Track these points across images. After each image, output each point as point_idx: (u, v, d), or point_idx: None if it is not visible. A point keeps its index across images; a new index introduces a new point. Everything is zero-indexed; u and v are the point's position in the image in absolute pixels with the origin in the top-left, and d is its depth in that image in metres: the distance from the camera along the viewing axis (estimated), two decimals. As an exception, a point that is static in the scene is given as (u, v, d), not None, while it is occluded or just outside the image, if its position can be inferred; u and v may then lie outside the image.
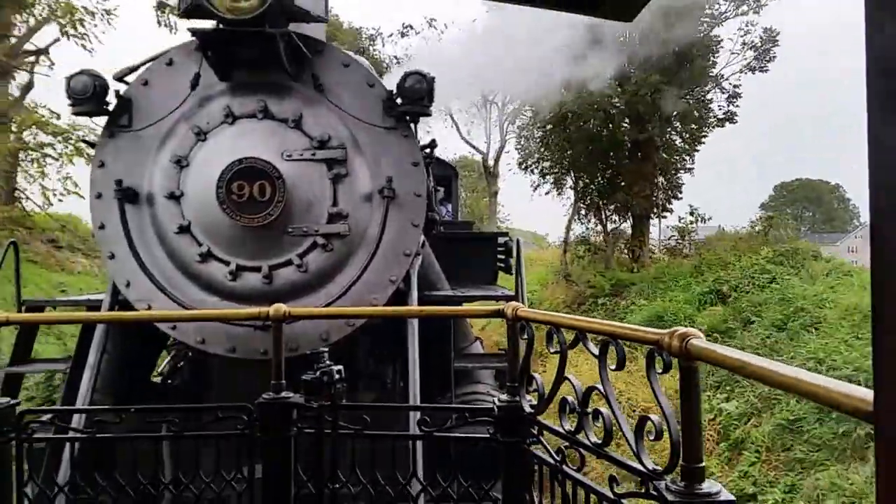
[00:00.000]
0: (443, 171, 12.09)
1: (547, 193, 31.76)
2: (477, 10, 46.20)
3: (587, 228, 31.18)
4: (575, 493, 2.84)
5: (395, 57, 36.46)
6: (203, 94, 5.07)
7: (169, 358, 6.26)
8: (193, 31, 4.88)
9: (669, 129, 27.92)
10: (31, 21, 21.42)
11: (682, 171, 29.33)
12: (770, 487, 10.06)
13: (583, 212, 30.48)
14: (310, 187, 4.90)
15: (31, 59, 21.44)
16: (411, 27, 38.21)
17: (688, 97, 26.69)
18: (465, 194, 47.91)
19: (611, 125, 26.90)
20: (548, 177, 30.60)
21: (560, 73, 20.87)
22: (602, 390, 2.60)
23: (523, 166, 31.67)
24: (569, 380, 2.85)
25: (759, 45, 27.38)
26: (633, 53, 24.60)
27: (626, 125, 27.39)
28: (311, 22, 5.03)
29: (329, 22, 5.07)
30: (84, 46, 20.59)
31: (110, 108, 5.10)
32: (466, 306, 5.82)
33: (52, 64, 21.13)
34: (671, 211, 29.33)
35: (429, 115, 5.17)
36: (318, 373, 3.56)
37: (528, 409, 3.28)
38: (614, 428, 2.55)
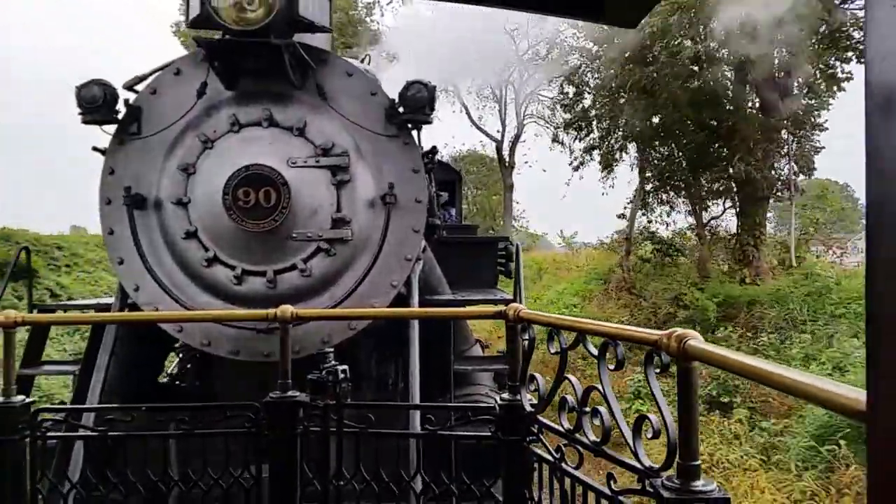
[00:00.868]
0: (447, 176, 12.17)
1: (581, 179, 27.38)
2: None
3: (658, 219, 23.82)
4: (574, 490, 2.92)
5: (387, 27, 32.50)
6: (210, 103, 5.16)
7: (177, 360, 6.32)
8: (200, 42, 4.99)
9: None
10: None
11: (816, 131, 19.41)
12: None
13: (650, 197, 23.36)
14: (314, 193, 4.99)
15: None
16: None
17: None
18: (475, 192, 44.80)
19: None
20: (594, 152, 24.31)
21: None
22: (601, 390, 2.68)
23: (559, 139, 27.81)
24: (568, 379, 2.94)
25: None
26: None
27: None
28: (316, 32, 5.13)
29: None
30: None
31: (120, 116, 5.19)
32: (468, 308, 5.90)
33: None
34: (801, 191, 20.18)
35: (430, 122, 5.27)
36: (323, 372, 3.66)
37: (528, 408, 3.37)
38: (613, 427, 2.63)
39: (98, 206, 5.23)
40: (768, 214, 22.23)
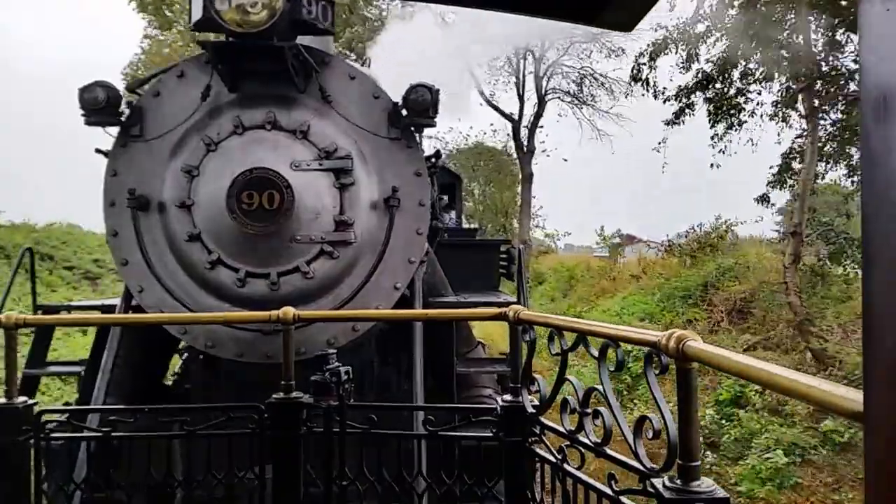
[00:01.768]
0: (447, 179, 12.19)
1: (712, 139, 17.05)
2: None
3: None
4: (575, 490, 2.93)
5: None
6: (213, 106, 5.18)
7: (181, 362, 6.35)
8: (204, 44, 5.02)
9: None
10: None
11: None
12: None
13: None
14: (317, 196, 5.01)
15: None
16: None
17: None
18: (483, 188, 40.20)
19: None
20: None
21: None
22: (602, 391, 2.70)
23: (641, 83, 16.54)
24: (570, 380, 2.95)
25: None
26: None
27: None
28: (319, 35, 5.16)
29: None
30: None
31: (123, 118, 5.22)
32: (470, 309, 5.91)
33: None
34: None
35: (433, 126, 5.29)
36: (326, 374, 3.68)
37: (530, 409, 3.39)
38: (614, 428, 2.64)
39: (101, 208, 5.26)
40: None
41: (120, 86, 5.36)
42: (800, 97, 15.61)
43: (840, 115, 15.56)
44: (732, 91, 16.54)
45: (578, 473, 2.92)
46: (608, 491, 2.63)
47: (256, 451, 3.83)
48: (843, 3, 13.32)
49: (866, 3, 0.73)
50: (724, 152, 17.66)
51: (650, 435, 2.39)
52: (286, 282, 5.05)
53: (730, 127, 16.97)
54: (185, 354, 6.18)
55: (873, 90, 0.72)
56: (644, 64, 17.16)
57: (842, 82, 14.58)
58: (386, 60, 11.58)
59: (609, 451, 2.70)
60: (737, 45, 15.16)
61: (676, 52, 16.90)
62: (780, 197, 17.74)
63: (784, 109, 16.70)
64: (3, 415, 3.72)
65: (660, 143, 20.22)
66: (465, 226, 13.75)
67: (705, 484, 2.20)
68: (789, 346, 13.62)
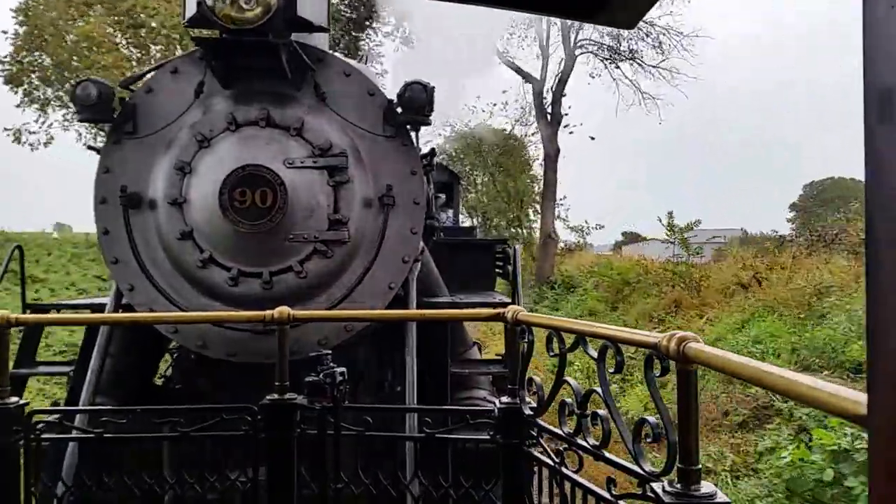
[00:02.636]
0: (444, 178, 12.16)
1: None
2: None
3: None
4: (573, 494, 2.90)
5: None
6: (207, 102, 5.13)
7: (171, 362, 6.30)
8: (197, 41, 4.96)
9: None
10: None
11: None
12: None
13: None
14: (311, 194, 4.96)
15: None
16: None
17: None
18: (493, 175, 35.34)
19: None
20: None
21: None
22: (601, 393, 2.67)
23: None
24: (568, 382, 2.92)
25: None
26: None
27: None
28: (314, 32, 5.11)
29: None
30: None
31: (115, 115, 5.17)
32: (467, 310, 5.88)
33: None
34: None
35: (429, 124, 5.26)
36: (320, 375, 3.64)
37: (527, 411, 3.36)
38: (613, 430, 2.62)
39: (93, 206, 5.20)
40: None
41: None
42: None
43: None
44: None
45: (577, 477, 2.89)
46: (607, 495, 2.61)
47: (249, 452, 3.78)
48: None
49: (871, 1, 0.71)
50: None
51: (650, 439, 2.37)
52: (279, 281, 5.00)
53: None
54: (176, 354, 6.12)
55: (877, 88, 0.71)
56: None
57: None
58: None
59: (608, 455, 2.67)
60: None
61: None
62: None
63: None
64: None
65: None
66: (466, 223, 13.80)
67: (706, 488, 2.18)
68: None
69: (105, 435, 3.80)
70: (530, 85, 30.32)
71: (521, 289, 5.81)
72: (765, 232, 31.74)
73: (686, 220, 22.38)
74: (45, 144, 26.84)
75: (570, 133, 31.08)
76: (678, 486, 2.18)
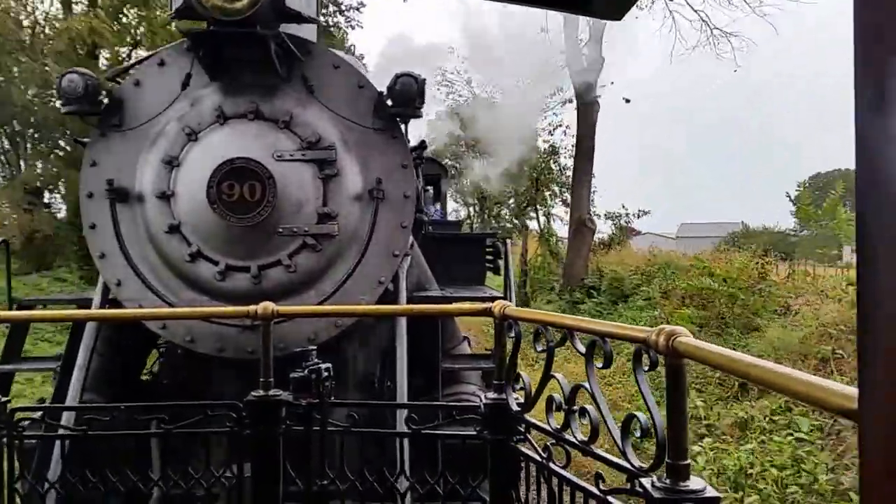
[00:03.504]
0: (432, 171, 12.12)
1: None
2: None
3: None
4: (561, 489, 2.87)
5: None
6: (194, 95, 5.08)
7: (158, 357, 6.24)
8: (185, 32, 4.90)
9: None
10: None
11: None
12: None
13: None
14: (300, 188, 4.91)
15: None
16: None
17: None
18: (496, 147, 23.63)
19: None
20: None
21: None
22: (589, 388, 2.63)
23: None
24: (556, 378, 2.88)
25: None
26: None
27: None
28: (303, 23, 5.05)
29: None
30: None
31: (102, 107, 5.11)
32: (455, 305, 5.85)
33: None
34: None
35: (419, 116, 5.20)
36: (306, 371, 3.59)
37: (515, 407, 3.31)
38: (601, 425, 2.58)
39: (79, 200, 5.14)
40: None
41: None
42: None
43: None
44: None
45: (564, 472, 2.85)
46: (595, 490, 2.57)
47: (235, 449, 3.74)
48: None
49: None
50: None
51: (638, 433, 2.33)
52: (268, 275, 4.95)
53: None
54: (164, 349, 6.07)
55: (869, 75, 0.70)
56: None
57: None
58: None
59: (596, 450, 2.63)
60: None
61: None
62: None
63: None
64: None
65: None
66: (462, 213, 13.80)
67: (695, 483, 2.14)
68: None
69: (89, 432, 3.75)
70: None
71: (513, 284, 5.79)
72: (767, 225, 30.65)
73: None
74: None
75: (599, 97, 22.91)
76: (667, 481, 2.15)
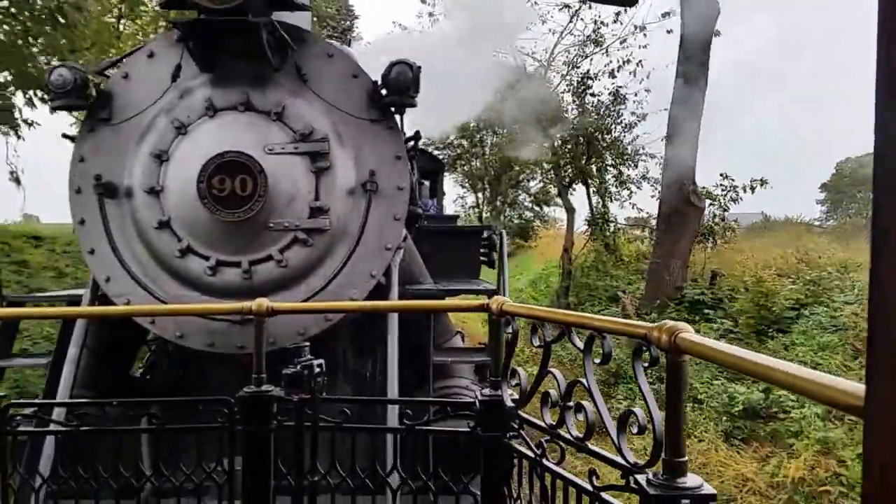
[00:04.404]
0: (429, 165, 12.05)
1: None
2: None
3: None
4: (554, 486, 2.84)
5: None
6: (184, 87, 5.01)
7: (149, 353, 6.20)
8: (174, 22, 4.83)
9: None
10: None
11: None
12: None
13: None
14: (292, 181, 4.86)
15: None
16: None
17: None
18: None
19: None
20: None
21: None
22: (586, 384, 2.60)
23: None
24: (552, 373, 2.86)
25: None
26: None
27: None
28: (295, 11, 4.98)
29: None
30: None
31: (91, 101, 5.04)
32: (449, 300, 5.81)
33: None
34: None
35: (414, 106, 5.13)
36: (298, 366, 3.56)
37: (509, 402, 3.29)
38: (596, 422, 2.55)
39: (68, 195, 5.08)
40: None
41: None
42: None
43: None
44: None
45: (558, 469, 2.83)
46: (588, 487, 2.54)
47: (226, 444, 3.71)
48: None
49: None
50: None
51: (635, 430, 2.30)
52: (259, 270, 4.90)
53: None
54: (154, 345, 6.02)
55: (890, 63, 0.69)
56: None
57: None
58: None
59: (591, 447, 2.60)
60: None
61: None
62: None
63: None
64: None
65: None
66: (469, 198, 13.60)
67: (692, 480, 2.12)
68: None
69: (81, 428, 3.72)
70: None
71: (507, 277, 5.75)
72: (790, 216, 26.34)
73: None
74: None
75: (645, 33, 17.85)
76: (663, 478, 2.13)
